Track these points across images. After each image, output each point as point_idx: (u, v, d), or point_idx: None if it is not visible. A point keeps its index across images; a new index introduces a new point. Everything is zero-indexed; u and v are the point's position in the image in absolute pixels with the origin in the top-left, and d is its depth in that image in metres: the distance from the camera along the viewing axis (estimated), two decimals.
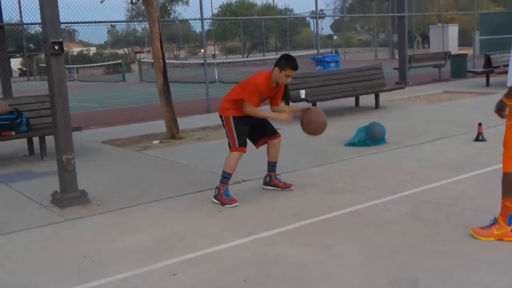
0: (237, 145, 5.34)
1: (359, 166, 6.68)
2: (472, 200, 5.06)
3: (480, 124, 7.71)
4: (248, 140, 5.51)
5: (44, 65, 25.34)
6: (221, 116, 5.49)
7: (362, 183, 5.87)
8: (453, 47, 32.87)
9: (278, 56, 5.88)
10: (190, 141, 9.05)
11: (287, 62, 5.26)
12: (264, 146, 5.66)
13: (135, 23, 57.87)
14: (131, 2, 10.82)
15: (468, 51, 23.33)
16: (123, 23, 69.06)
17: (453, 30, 36.37)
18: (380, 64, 13.10)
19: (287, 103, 11.06)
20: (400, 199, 5.24)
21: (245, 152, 5.38)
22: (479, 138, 7.67)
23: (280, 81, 5.34)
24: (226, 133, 5.45)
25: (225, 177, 5.38)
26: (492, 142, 7.48)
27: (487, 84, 15.35)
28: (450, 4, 44.96)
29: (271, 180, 5.77)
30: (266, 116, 5.48)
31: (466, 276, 3.54)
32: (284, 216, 4.90)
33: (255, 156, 5.84)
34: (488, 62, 15.65)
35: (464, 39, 37.01)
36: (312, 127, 5.47)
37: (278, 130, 5.69)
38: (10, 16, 38.13)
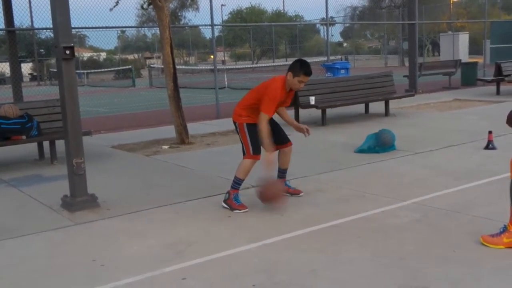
0: (251, 152, 5.33)
1: (369, 173, 6.66)
2: (482, 208, 5.03)
3: (490, 132, 7.68)
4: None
5: (55, 70, 25.45)
6: (234, 122, 5.48)
7: (371, 189, 5.85)
8: (464, 55, 32.80)
9: (288, 63, 5.88)
10: (199, 147, 9.07)
11: (301, 68, 5.21)
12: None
13: (145, 28, 58.09)
14: (142, 8, 10.87)
15: (479, 59, 23.25)
16: (133, 29, 69.44)
17: (463, 38, 36.30)
18: (390, 71, 13.08)
19: (297, 110, 11.09)
20: (409, 206, 5.22)
21: (259, 159, 5.36)
22: (489, 146, 7.63)
23: (293, 87, 5.31)
24: (240, 140, 5.45)
25: (237, 182, 5.38)
26: (502, 150, 7.45)
27: (498, 92, 15.29)
28: (460, 12, 44.87)
29: None
30: (263, 138, 5.18)
31: (475, 284, 3.52)
32: (293, 222, 4.90)
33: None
34: (498, 71, 15.61)
35: (475, 47, 36.93)
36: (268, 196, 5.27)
37: (288, 136, 5.67)
38: (21, 21, 38.40)
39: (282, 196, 5.36)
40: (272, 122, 5.45)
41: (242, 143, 5.41)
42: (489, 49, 28.73)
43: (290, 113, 11.31)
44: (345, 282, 3.62)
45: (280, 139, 5.53)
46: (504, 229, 4.07)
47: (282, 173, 5.74)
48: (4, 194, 6.42)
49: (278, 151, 5.59)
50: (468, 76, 18.66)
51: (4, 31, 12.73)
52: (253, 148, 5.33)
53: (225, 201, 5.39)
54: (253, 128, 5.33)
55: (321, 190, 5.96)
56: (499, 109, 12.15)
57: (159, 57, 40.67)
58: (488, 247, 4.06)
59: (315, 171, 6.77)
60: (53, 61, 36.89)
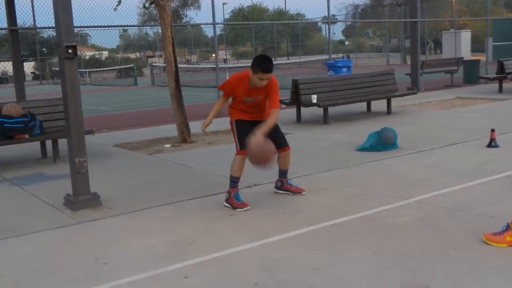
0: (238, 148, 5.35)
1: (371, 171, 6.66)
2: (484, 206, 5.03)
3: (493, 130, 7.67)
4: None
5: (57, 69, 25.44)
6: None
7: (373, 188, 5.85)
8: (466, 53, 32.76)
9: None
10: (201, 145, 9.07)
11: (259, 65, 5.07)
12: None
13: (147, 27, 58.20)
14: (144, 7, 10.88)
15: (481, 57, 23.22)
16: (135, 28, 69.50)
17: (465, 36, 36.25)
18: (392, 69, 13.07)
19: (299, 108, 11.09)
20: (411, 205, 5.22)
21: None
22: (491, 144, 7.63)
23: (255, 84, 5.17)
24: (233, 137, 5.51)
25: (233, 181, 5.38)
26: (505, 148, 7.45)
27: (500, 90, 15.27)
28: (463, 10, 44.80)
29: (283, 185, 5.77)
30: (211, 112, 5.60)
31: (478, 282, 3.52)
32: (295, 221, 4.90)
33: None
34: (501, 68, 15.58)
35: (477, 45, 36.89)
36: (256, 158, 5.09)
37: (291, 135, 5.67)
38: (24, 20, 38.54)
39: (273, 156, 5.11)
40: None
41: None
42: (491, 47, 28.66)
43: (291, 111, 11.36)
44: (346, 281, 3.63)
45: (278, 144, 5.43)
46: (507, 228, 4.06)
47: (282, 173, 5.75)
48: (7, 193, 6.43)
49: (277, 154, 5.59)
50: (471, 74, 18.64)
51: (7, 30, 12.74)
52: (240, 144, 5.34)
53: (226, 201, 5.40)
54: (241, 124, 5.39)
55: (323, 188, 5.96)
56: (501, 107, 12.15)
57: (161, 56, 40.66)
58: (490, 246, 4.05)
59: (317, 170, 6.77)
60: (55, 60, 37.01)
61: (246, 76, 5.25)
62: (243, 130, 5.34)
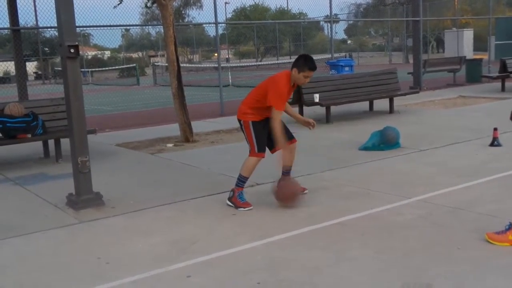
0: (256, 150, 5.33)
1: (373, 170, 6.66)
2: (487, 205, 5.02)
3: (495, 129, 7.66)
4: None
5: (59, 68, 25.55)
6: (239, 120, 5.47)
7: (375, 187, 5.85)
8: (468, 52, 32.69)
9: (292, 61, 5.86)
10: (203, 145, 9.07)
11: (305, 63, 5.22)
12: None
13: (149, 27, 58.25)
14: (146, 6, 10.88)
15: (484, 56, 23.18)
16: (137, 27, 69.55)
17: (468, 35, 36.16)
18: (395, 68, 13.06)
19: (301, 107, 11.09)
20: (414, 204, 5.21)
21: (263, 157, 5.37)
22: (494, 143, 7.61)
23: (298, 82, 5.33)
24: (245, 138, 5.45)
25: (241, 180, 5.38)
26: (507, 147, 7.44)
27: (503, 89, 15.25)
28: (465, 8, 44.72)
29: None
30: (277, 135, 5.19)
31: (480, 281, 3.51)
32: (297, 220, 4.90)
33: (269, 159, 5.82)
34: (503, 67, 15.56)
35: (479, 44, 36.78)
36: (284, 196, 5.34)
37: (293, 134, 5.67)
38: (26, 20, 38.59)
39: (298, 196, 5.37)
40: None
41: (247, 141, 5.42)
42: (494, 46, 28.61)
43: (294, 110, 11.33)
44: (349, 280, 3.63)
45: (285, 137, 5.52)
46: (510, 227, 4.05)
47: (286, 171, 5.74)
48: (9, 192, 6.44)
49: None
50: (473, 73, 18.61)
51: (9, 30, 12.75)
52: (258, 146, 5.33)
53: (229, 199, 5.40)
54: (258, 126, 5.34)
55: (325, 187, 5.96)
56: (504, 106, 12.12)
57: (163, 55, 40.69)
58: (493, 245, 4.05)
59: (319, 169, 6.77)
60: (58, 59, 37.02)
61: (289, 77, 5.31)
62: (261, 132, 5.36)
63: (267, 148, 5.55)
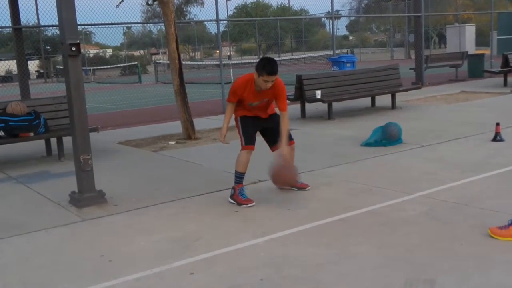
0: (243, 143, 5.36)
1: (375, 166, 6.65)
2: (489, 200, 5.02)
3: (497, 124, 7.64)
4: (264, 142, 5.57)
5: (61, 67, 25.52)
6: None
7: (378, 183, 5.84)
8: (470, 47, 32.61)
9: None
10: (206, 142, 9.08)
11: (263, 67, 5.09)
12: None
13: (151, 24, 58.21)
14: (147, 4, 10.92)
15: (486, 51, 23.13)
16: (139, 25, 69.55)
17: (470, 30, 36.08)
18: (397, 64, 13.04)
19: (303, 104, 11.08)
20: (416, 199, 5.21)
21: (253, 149, 5.38)
22: (496, 138, 7.60)
23: (260, 87, 5.20)
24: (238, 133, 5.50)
25: (238, 176, 5.39)
26: (510, 142, 7.43)
27: (505, 84, 15.21)
28: (467, 3, 44.62)
29: None
30: (224, 122, 5.46)
31: (483, 276, 3.51)
32: (300, 216, 4.90)
33: (271, 156, 5.83)
34: (506, 62, 15.53)
35: (482, 39, 36.72)
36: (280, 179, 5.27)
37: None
38: (28, 18, 38.64)
39: (295, 178, 5.35)
40: (274, 121, 5.49)
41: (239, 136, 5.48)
42: (496, 41, 28.57)
43: (296, 107, 11.34)
44: (352, 276, 3.63)
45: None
46: None
47: None
48: (12, 191, 6.45)
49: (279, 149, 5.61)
50: (475, 68, 18.57)
51: (11, 29, 12.75)
52: (245, 139, 5.37)
53: (231, 197, 5.40)
54: (246, 120, 5.40)
55: (328, 184, 5.96)
56: (506, 101, 12.11)
57: (165, 53, 40.69)
58: (496, 240, 4.04)
59: (321, 165, 6.77)
60: (59, 58, 37.01)
61: (251, 79, 5.25)
62: (248, 125, 5.40)
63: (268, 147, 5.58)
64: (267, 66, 5.08)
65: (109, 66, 40.75)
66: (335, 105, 11.25)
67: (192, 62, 44.27)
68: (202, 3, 52.28)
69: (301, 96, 10.91)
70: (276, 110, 5.56)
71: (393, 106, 11.70)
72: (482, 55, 19.66)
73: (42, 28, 31.18)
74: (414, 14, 18.05)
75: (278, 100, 5.37)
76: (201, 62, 44.54)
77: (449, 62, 18.90)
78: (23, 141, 7.93)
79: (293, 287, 3.53)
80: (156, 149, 8.60)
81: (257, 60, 6.72)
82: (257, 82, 5.19)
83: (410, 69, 17.81)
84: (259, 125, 5.50)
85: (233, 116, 5.50)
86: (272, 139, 5.52)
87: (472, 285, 3.41)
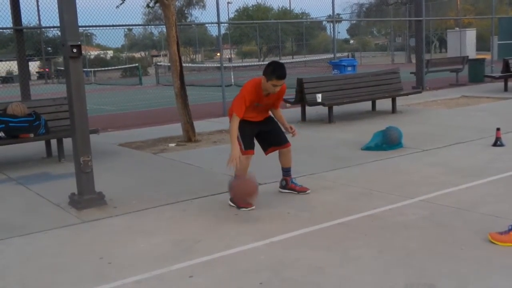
0: (243, 148, 5.35)
1: (376, 170, 6.65)
2: (490, 206, 5.01)
3: (498, 129, 7.64)
4: (259, 146, 5.58)
5: (62, 68, 25.52)
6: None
7: (378, 187, 5.84)
8: (471, 52, 32.62)
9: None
10: (206, 144, 9.07)
11: (273, 72, 5.12)
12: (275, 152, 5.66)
13: (152, 26, 58.22)
14: (148, 6, 10.88)
15: (486, 56, 23.14)
16: (140, 27, 69.62)
17: (470, 35, 36.10)
18: (397, 68, 13.05)
19: (304, 107, 11.08)
20: (417, 204, 5.20)
21: (252, 154, 5.39)
22: (497, 143, 7.60)
23: (268, 91, 5.24)
24: None
25: None
26: (510, 147, 7.43)
27: (505, 89, 15.21)
28: (468, 8, 44.66)
29: (287, 184, 5.76)
30: (232, 137, 5.20)
31: (483, 281, 3.50)
32: (300, 220, 4.90)
33: (270, 160, 5.84)
34: (506, 67, 15.53)
35: (482, 44, 36.74)
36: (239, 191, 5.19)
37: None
38: (29, 19, 38.63)
39: (255, 192, 5.13)
40: (269, 124, 5.52)
41: None
42: (496, 45, 28.54)
43: (297, 110, 11.34)
44: (352, 280, 3.62)
45: (278, 141, 5.58)
46: None
47: (286, 171, 5.74)
48: (12, 192, 6.45)
49: (278, 151, 5.62)
50: (476, 72, 18.58)
51: (12, 30, 12.77)
52: (244, 144, 5.37)
53: (231, 200, 5.39)
54: (244, 125, 5.35)
55: (328, 188, 5.95)
56: (507, 106, 12.11)
57: (165, 55, 40.74)
58: (496, 245, 4.04)
59: (322, 169, 6.76)
60: (60, 59, 37.08)
61: (258, 84, 5.27)
62: (246, 130, 5.39)
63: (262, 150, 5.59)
64: (277, 71, 5.13)
65: (110, 68, 40.77)
66: (336, 108, 11.25)
67: (193, 65, 44.29)
68: (204, 6, 52.39)
69: (301, 99, 10.92)
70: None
71: (394, 110, 11.70)
72: (483, 59, 19.67)
73: (43, 29, 31.22)
74: (415, 18, 18.05)
75: (277, 101, 5.48)
76: (201, 65, 44.54)
77: (449, 67, 18.93)
78: (23, 142, 7.94)
79: None
80: (157, 151, 8.59)
81: (258, 63, 6.71)
82: (265, 86, 5.22)
83: (411, 73, 17.82)
84: (255, 129, 5.50)
85: (227, 119, 5.50)
86: (268, 142, 5.57)
87: None
